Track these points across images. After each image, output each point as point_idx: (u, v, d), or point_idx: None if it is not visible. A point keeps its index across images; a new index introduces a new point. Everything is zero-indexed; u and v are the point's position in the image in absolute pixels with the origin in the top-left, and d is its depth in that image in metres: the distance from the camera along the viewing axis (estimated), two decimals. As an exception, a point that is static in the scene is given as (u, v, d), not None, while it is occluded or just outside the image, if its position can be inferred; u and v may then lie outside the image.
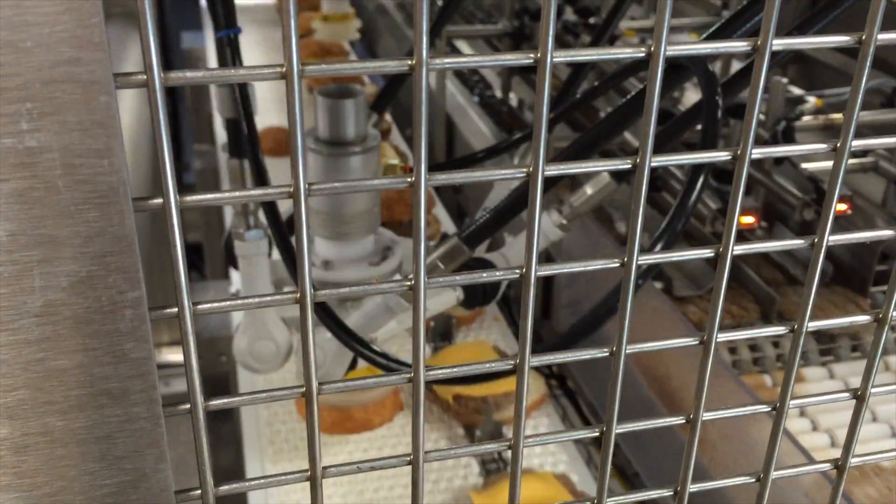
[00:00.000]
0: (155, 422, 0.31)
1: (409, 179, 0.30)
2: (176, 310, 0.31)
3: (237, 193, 0.31)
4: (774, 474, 0.41)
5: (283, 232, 0.74)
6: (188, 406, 0.32)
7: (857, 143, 0.34)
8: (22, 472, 0.31)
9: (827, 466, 0.43)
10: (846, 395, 0.41)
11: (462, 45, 1.92)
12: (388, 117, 1.71)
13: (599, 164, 0.34)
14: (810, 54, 1.48)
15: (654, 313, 1.00)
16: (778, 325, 0.39)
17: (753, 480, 0.42)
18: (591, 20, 1.62)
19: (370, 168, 0.84)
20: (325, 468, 0.35)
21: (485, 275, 0.37)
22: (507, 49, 1.72)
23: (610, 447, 0.38)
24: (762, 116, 1.16)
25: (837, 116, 1.21)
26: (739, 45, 0.32)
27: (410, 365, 0.34)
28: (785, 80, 1.18)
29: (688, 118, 0.67)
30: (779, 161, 1.13)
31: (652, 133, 0.32)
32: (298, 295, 0.31)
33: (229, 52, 0.73)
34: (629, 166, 0.33)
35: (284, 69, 0.28)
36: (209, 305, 0.31)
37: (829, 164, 0.35)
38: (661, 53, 0.30)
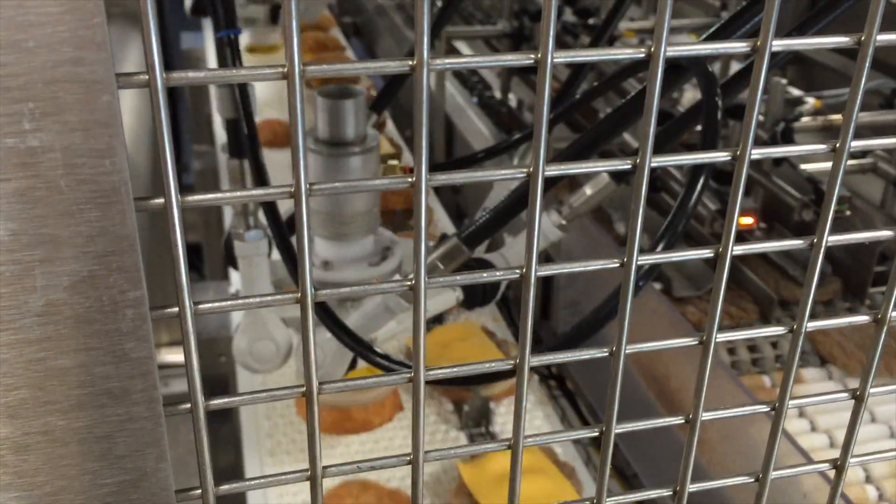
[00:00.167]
0: (155, 421, 0.31)
1: (409, 179, 0.31)
2: (177, 309, 0.31)
3: (237, 193, 0.31)
4: (773, 474, 0.41)
5: (283, 232, 0.74)
6: (189, 406, 0.32)
7: (856, 144, 0.34)
8: (23, 472, 0.31)
9: (825, 466, 0.43)
10: (845, 395, 0.41)
11: (461, 46, 1.92)
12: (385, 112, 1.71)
13: (599, 164, 0.34)
14: (809, 55, 1.48)
15: (654, 314, 1.00)
16: (777, 326, 0.39)
17: (752, 480, 0.42)
18: (591, 21, 1.62)
19: (370, 168, 0.84)
20: (324, 468, 0.35)
21: (485, 275, 0.37)
22: (507, 50, 1.73)
23: (609, 447, 0.38)
24: (761, 117, 1.16)
25: (836, 117, 1.22)
26: (739, 46, 0.32)
27: (410, 365, 0.34)
28: (784, 81, 1.18)
29: (687, 118, 0.67)
30: (778, 162, 1.13)
31: (652, 133, 0.32)
32: (299, 295, 0.32)
33: (229, 53, 0.73)
34: (629, 167, 0.33)
35: (286, 69, 0.28)
36: (209, 305, 0.32)
37: (827, 164, 0.35)
38: (661, 54, 0.30)
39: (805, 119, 1.19)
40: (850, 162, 1.12)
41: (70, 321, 0.29)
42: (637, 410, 0.98)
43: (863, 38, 0.32)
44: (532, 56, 0.30)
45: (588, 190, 0.74)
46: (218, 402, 0.33)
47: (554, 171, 0.32)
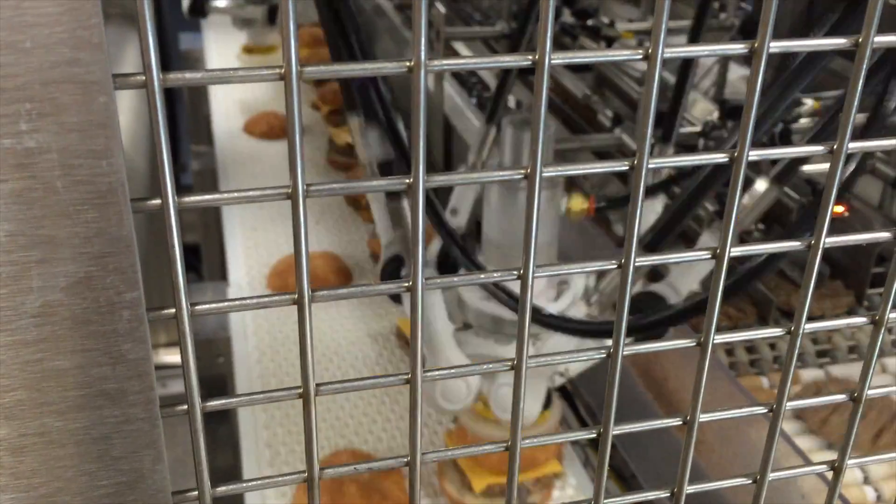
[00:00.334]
0: (152, 423, 0.31)
1: (407, 180, 0.31)
2: (174, 311, 0.31)
3: (234, 195, 0.31)
4: (771, 476, 0.41)
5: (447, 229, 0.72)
6: (186, 407, 0.32)
7: (854, 146, 0.34)
8: (19, 473, 0.31)
9: (823, 468, 0.43)
10: (843, 397, 0.41)
11: (460, 47, 1.92)
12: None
13: (597, 165, 0.34)
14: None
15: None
16: (775, 327, 0.39)
17: (750, 482, 0.42)
18: (589, 22, 1.62)
19: (554, 204, 0.80)
20: (322, 469, 0.35)
21: (482, 276, 0.37)
22: (505, 51, 1.73)
23: (607, 448, 0.38)
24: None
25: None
26: (737, 48, 0.32)
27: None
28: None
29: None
30: (775, 163, 1.13)
31: (649, 134, 0.32)
32: (297, 296, 0.32)
33: None
34: (626, 168, 0.33)
35: (283, 70, 0.28)
36: (207, 306, 0.31)
37: (825, 166, 0.35)
38: (659, 55, 0.30)
39: (803, 120, 1.20)
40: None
41: (67, 322, 0.29)
42: (635, 411, 0.98)
43: (860, 40, 0.32)
44: (530, 57, 0.30)
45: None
46: (215, 403, 0.33)
47: (552, 171, 0.32)
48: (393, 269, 0.80)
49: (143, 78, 0.27)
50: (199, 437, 0.33)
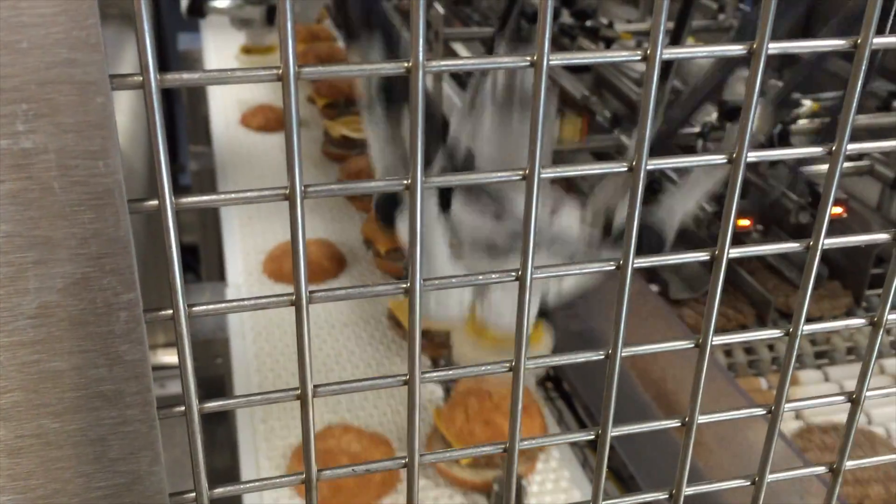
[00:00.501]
0: (150, 424, 0.31)
1: (405, 182, 0.30)
2: (171, 312, 0.30)
3: (232, 196, 0.31)
4: (769, 477, 0.41)
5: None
6: (183, 408, 0.32)
7: (853, 147, 0.34)
8: (16, 475, 0.30)
9: (822, 469, 0.43)
10: (841, 398, 0.41)
11: (458, 48, 1.92)
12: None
13: (596, 166, 0.34)
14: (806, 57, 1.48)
15: (650, 316, 1.00)
16: (773, 329, 0.39)
17: (748, 483, 0.42)
18: (588, 23, 1.62)
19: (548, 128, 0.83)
20: (320, 471, 0.35)
21: (480, 277, 0.37)
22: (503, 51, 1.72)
23: (605, 450, 0.38)
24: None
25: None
26: (735, 49, 0.32)
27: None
28: (781, 84, 1.18)
29: None
30: (774, 164, 1.13)
31: (648, 136, 0.32)
32: (294, 297, 0.31)
33: None
34: (625, 169, 0.33)
35: (280, 71, 0.28)
36: (204, 307, 0.31)
37: (824, 167, 0.35)
38: (658, 56, 0.30)
39: (802, 121, 1.20)
40: (847, 164, 1.12)
41: (64, 323, 0.29)
42: (634, 412, 0.98)
43: (859, 41, 0.32)
44: (528, 58, 0.30)
45: None
46: (212, 404, 0.33)
47: (550, 173, 0.32)
48: (387, 205, 0.84)
49: (141, 79, 0.27)
50: (197, 438, 0.33)
